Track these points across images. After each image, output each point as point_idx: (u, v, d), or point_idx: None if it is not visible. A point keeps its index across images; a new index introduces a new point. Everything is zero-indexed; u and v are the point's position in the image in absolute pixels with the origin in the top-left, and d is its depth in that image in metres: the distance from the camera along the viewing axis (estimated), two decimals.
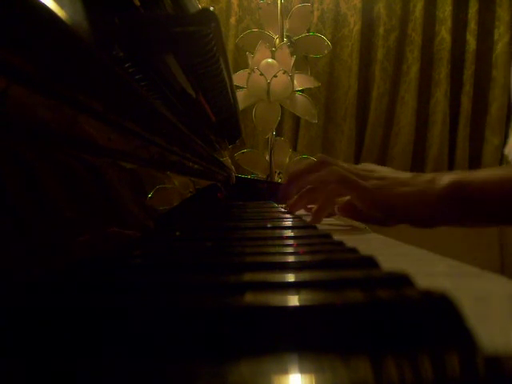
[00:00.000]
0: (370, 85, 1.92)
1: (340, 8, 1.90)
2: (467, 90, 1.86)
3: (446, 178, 0.45)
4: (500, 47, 1.85)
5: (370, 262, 0.22)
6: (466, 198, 0.43)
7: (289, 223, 0.49)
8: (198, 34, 0.41)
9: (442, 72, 1.87)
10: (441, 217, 0.45)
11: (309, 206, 0.59)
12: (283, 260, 0.23)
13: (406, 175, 0.49)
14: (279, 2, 1.60)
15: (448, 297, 0.13)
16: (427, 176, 0.47)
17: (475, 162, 1.87)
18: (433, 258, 0.28)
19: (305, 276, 0.18)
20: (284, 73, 1.52)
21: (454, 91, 1.88)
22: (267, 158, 1.63)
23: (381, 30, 1.88)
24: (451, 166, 1.86)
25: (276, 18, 1.62)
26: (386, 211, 0.47)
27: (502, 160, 1.81)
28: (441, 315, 0.13)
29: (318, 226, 0.47)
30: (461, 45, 1.88)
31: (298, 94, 1.60)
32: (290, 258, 0.23)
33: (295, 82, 1.57)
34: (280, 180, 1.61)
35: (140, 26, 0.35)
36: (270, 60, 1.55)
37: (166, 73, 0.44)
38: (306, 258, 0.24)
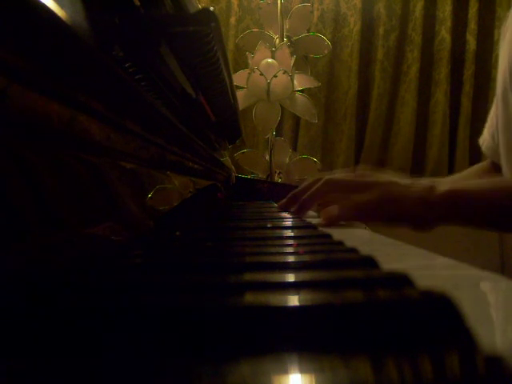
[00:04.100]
0: (370, 85, 1.92)
1: (340, 8, 1.90)
2: (467, 90, 1.86)
3: (441, 188, 0.50)
4: (499, 48, 1.84)
5: (370, 262, 0.22)
6: (457, 206, 0.50)
7: (289, 223, 0.49)
8: (198, 34, 0.41)
9: (442, 72, 1.87)
10: (437, 221, 0.52)
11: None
12: (283, 260, 0.23)
13: (404, 182, 0.53)
14: (279, 1, 1.60)
15: (448, 297, 0.13)
16: (425, 183, 0.52)
17: (475, 162, 1.87)
18: (433, 258, 0.28)
19: (305, 276, 0.18)
20: (284, 73, 1.52)
21: (454, 91, 1.88)
22: (267, 157, 1.63)
23: (381, 30, 1.88)
24: (451, 166, 1.85)
25: (276, 18, 1.62)
26: (388, 218, 0.52)
27: None
28: (441, 315, 0.13)
29: (318, 225, 0.47)
30: (461, 45, 1.89)
31: (298, 94, 1.60)
32: (290, 258, 0.23)
33: (295, 82, 1.57)
34: (280, 180, 1.61)
35: (140, 26, 0.35)
36: (270, 60, 1.55)
37: (166, 73, 0.44)
38: (306, 257, 0.24)
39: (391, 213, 0.51)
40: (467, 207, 0.50)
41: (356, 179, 0.54)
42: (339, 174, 0.58)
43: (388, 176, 0.55)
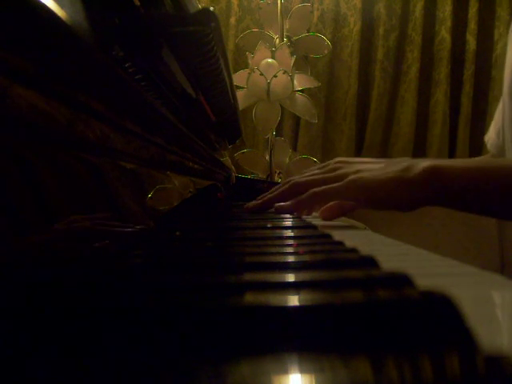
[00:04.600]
0: (370, 85, 1.92)
1: (340, 8, 1.90)
2: (467, 90, 1.86)
3: (421, 164, 0.47)
4: (500, 47, 1.85)
5: (370, 262, 0.22)
6: (439, 184, 0.46)
7: (289, 223, 0.49)
8: (198, 34, 0.41)
9: (442, 72, 1.87)
10: (417, 201, 0.48)
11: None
12: (283, 260, 0.23)
13: (379, 164, 0.51)
14: (279, 1, 1.60)
15: (448, 297, 0.13)
16: (402, 162, 0.49)
17: None
18: (433, 258, 0.28)
19: (305, 276, 0.18)
20: (284, 73, 1.52)
21: (454, 91, 1.88)
22: (267, 157, 1.63)
23: (381, 30, 1.88)
24: None
25: (276, 18, 1.62)
26: (367, 202, 0.50)
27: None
28: (441, 315, 0.13)
29: (318, 225, 0.47)
30: (461, 45, 1.88)
31: (298, 94, 1.60)
32: (290, 258, 0.23)
33: (295, 81, 1.57)
34: (280, 180, 1.61)
35: (140, 26, 0.35)
36: (270, 60, 1.55)
37: (166, 73, 0.44)
38: (306, 257, 0.24)
39: (362, 197, 0.49)
40: (449, 185, 0.45)
41: (324, 176, 0.53)
42: (307, 174, 0.57)
43: (363, 164, 0.53)
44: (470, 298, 0.17)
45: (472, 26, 1.85)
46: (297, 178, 0.56)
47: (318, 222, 0.52)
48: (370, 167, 0.51)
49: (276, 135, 1.66)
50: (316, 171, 0.57)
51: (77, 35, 0.24)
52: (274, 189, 0.60)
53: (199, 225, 0.52)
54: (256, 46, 1.58)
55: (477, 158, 0.51)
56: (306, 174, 0.57)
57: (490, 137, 0.81)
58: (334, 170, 0.54)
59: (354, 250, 0.26)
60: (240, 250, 0.30)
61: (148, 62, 0.39)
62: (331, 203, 0.55)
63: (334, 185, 0.50)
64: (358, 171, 0.50)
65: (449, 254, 0.28)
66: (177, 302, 0.14)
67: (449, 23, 1.86)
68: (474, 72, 1.86)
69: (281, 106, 1.59)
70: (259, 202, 0.60)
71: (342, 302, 0.13)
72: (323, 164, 0.58)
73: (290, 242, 0.33)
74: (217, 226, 0.51)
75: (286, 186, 0.56)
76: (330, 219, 0.54)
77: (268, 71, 1.52)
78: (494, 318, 0.16)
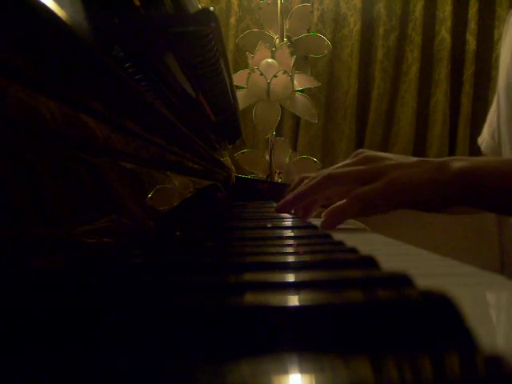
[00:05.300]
0: (370, 85, 1.92)
1: (340, 8, 1.90)
2: (467, 90, 1.86)
3: (455, 165, 0.45)
4: (500, 47, 1.85)
5: (370, 262, 0.22)
6: (474, 185, 0.44)
7: (289, 223, 0.49)
8: (197, 34, 0.41)
9: (442, 72, 1.87)
10: (449, 201, 0.47)
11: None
12: (283, 260, 0.23)
13: (411, 160, 0.49)
14: (279, 1, 1.60)
15: (448, 297, 0.13)
16: (435, 161, 0.47)
17: None
18: (433, 258, 0.28)
19: (305, 276, 0.18)
20: (284, 73, 1.52)
21: (454, 91, 1.88)
22: (267, 157, 1.63)
23: (381, 30, 1.88)
24: None
25: (276, 18, 1.62)
26: (404, 204, 0.47)
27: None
28: (441, 315, 0.13)
29: (318, 225, 0.47)
30: (461, 45, 1.89)
31: (298, 94, 1.60)
32: (290, 258, 0.23)
33: (295, 81, 1.57)
34: (280, 180, 1.61)
35: (140, 26, 0.35)
36: (270, 60, 1.55)
37: (166, 73, 0.43)
38: (306, 258, 0.24)
39: (402, 200, 0.47)
40: (483, 187, 0.44)
41: (360, 168, 0.49)
42: (339, 166, 0.52)
43: (393, 157, 0.50)
44: (470, 298, 0.17)
45: (472, 26, 1.86)
46: (329, 170, 0.52)
47: (317, 221, 0.52)
48: (400, 164, 0.48)
49: (276, 135, 1.66)
50: (346, 162, 0.52)
51: (77, 35, 0.24)
52: (305, 182, 0.54)
53: (199, 225, 0.52)
54: (256, 46, 1.58)
55: (510, 159, 0.49)
56: (338, 166, 0.53)
57: (484, 138, 0.81)
58: (364, 163, 0.50)
59: (353, 250, 0.26)
60: (240, 250, 0.30)
61: (148, 62, 0.39)
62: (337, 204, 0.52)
63: (375, 186, 0.46)
64: (390, 167, 0.48)
65: (449, 254, 0.28)
66: (176, 301, 0.14)
67: (449, 23, 1.86)
68: (473, 72, 1.86)
69: (281, 106, 1.59)
70: (290, 197, 0.54)
71: (342, 302, 0.13)
72: (348, 160, 0.53)
73: (290, 242, 0.33)
74: (217, 225, 0.51)
75: (318, 178, 0.51)
76: (339, 223, 0.49)
77: (268, 71, 1.52)
78: (493, 318, 0.16)
